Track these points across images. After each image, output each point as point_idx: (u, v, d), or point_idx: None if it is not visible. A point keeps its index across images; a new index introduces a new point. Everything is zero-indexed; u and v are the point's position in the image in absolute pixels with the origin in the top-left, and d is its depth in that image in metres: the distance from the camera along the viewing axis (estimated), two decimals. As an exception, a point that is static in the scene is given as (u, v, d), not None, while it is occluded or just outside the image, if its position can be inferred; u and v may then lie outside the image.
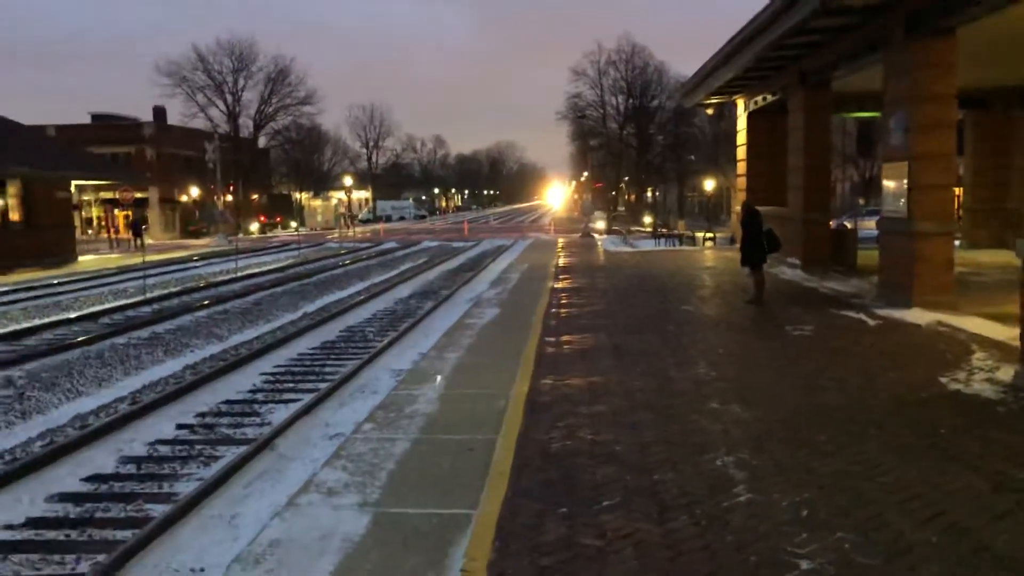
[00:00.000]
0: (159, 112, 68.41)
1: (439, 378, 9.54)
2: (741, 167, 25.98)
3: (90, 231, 59.00)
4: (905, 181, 13.43)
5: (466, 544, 4.93)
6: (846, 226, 26.70)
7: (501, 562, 4.63)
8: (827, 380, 8.71)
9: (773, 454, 6.31)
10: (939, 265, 13.25)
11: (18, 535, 6.65)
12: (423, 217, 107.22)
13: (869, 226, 24.99)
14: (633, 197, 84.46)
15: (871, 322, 12.32)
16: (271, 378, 12.09)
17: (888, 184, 14.26)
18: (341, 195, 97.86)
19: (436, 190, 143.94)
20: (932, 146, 13.12)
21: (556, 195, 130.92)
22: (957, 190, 24.01)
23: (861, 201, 50.82)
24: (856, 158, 53.53)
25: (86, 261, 35.44)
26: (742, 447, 6.50)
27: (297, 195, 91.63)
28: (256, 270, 29.36)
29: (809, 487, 5.59)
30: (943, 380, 8.51)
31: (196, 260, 35.12)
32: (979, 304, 13.02)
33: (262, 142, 79.45)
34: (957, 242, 18.49)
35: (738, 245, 17.69)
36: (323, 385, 11.27)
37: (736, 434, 6.86)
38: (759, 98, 23.19)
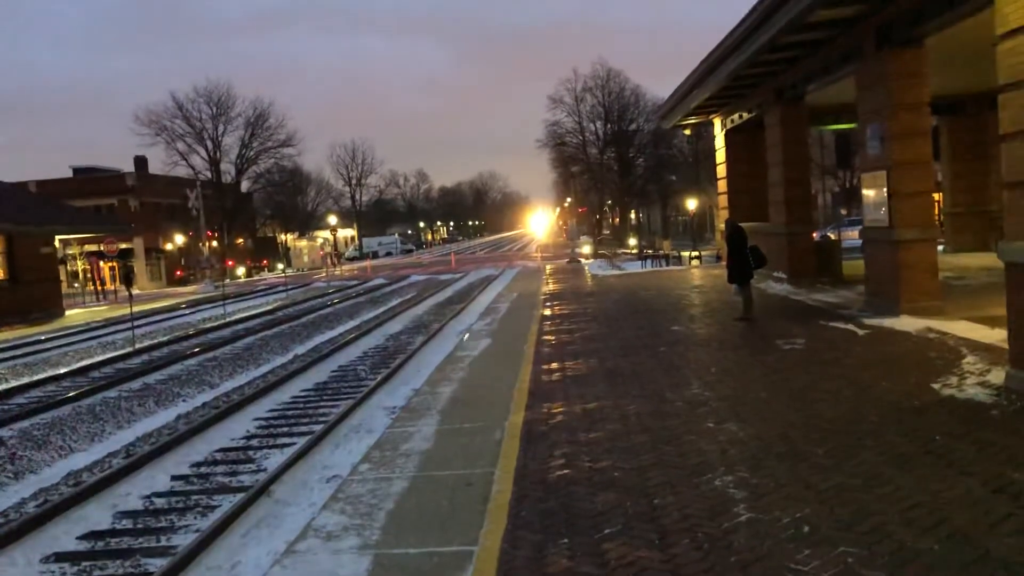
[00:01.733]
0: (140, 162, 68.52)
1: (433, 413, 9.50)
2: (722, 185, 26.17)
3: (76, 284, 58.68)
4: (885, 190, 13.55)
5: (469, 581, 4.89)
6: (829, 237, 26.90)
7: (505, 597, 4.59)
8: (821, 393, 8.72)
9: (772, 471, 6.30)
10: (924, 271, 13.34)
11: (15, 599, 6.56)
12: (410, 251, 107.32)
13: (852, 236, 25.19)
14: (617, 220, 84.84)
15: (860, 332, 12.36)
16: (265, 423, 12.02)
17: (868, 194, 14.38)
18: (326, 234, 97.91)
19: (421, 224, 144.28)
20: (909, 154, 13.26)
21: (540, 222, 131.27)
22: (937, 196, 24.24)
23: (843, 212, 51.20)
24: (835, 169, 54.00)
25: (73, 315, 35.25)
26: (740, 465, 6.49)
27: (282, 237, 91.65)
28: (244, 314, 29.25)
29: (809, 502, 5.58)
30: (935, 386, 8.53)
31: (184, 308, 34.98)
32: (966, 308, 13.10)
33: (245, 186, 79.62)
34: (940, 247, 18.64)
35: (724, 263, 17.78)
36: (317, 427, 11.21)
37: (733, 453, 6.85)
38: (736, 116, 23.41)
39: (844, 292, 17.12)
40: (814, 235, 21.78)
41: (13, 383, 16.82)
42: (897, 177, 13.31)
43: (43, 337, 25.93)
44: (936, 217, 21.07)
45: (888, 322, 12.78)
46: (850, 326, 12.91)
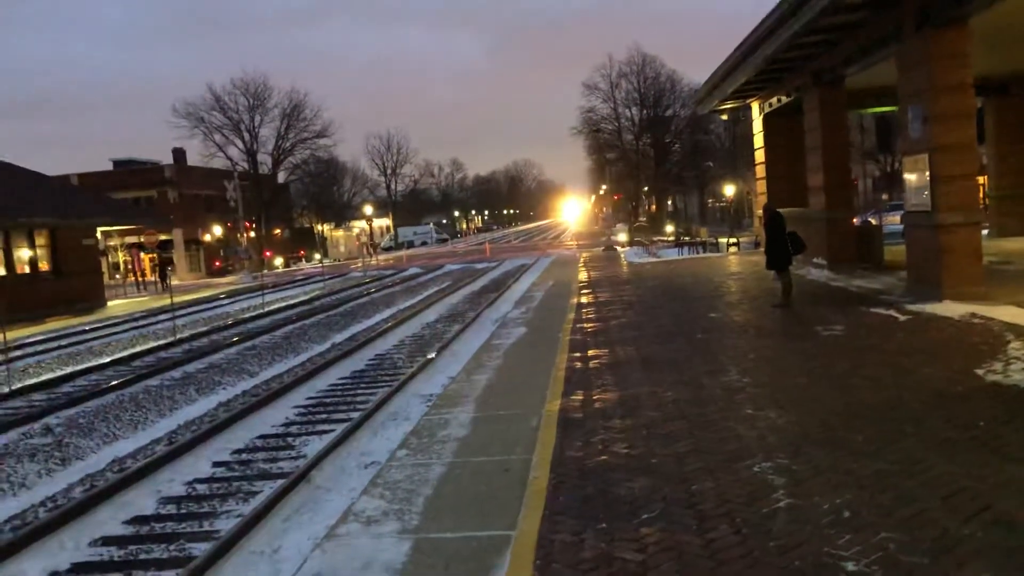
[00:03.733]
0: (179, 154, 69.28)
1: (470, 401, 9.54)
2: (760, 170, 25.89)
3: (117, 275, 59.68)
4: (927, 174, 13.32)
5: (507, 565, 4.91)
6: (870, 223, 26.50)
7: (543, 582, 4.61)
8: (861, 379, 8.62)
9: (811, 457, 6.25)
10: (967, 256, 13.11)
11: (64, 581, 6.72)
12: (445, 240, 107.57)
13: (894, 221, 24.80)
14: (654, 207, 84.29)
15: (902, 318, 12.18)
16: (304, 411, 12.15)
17: (910, 178, 14.15)
18: (362, 224, 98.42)
19: (456, 213, 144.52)
20: (952, 137, 13.02)
21: (574, 210, 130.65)
22: (981, 179, 23.77)
23: (884, 196, 50.41)
24: (876, 153, 53.15)
25: (115, 305, 35.87)
26: (779, 452, 6.44)
27: (319, 227, 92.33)
28: (283, 304, 29.56)
29: (850, 488, 5.53)
30: (979, 372, 8.39)
31: (223, 298, 35.43)
32: (1012, 293, 12.85)
33: (281, 177, 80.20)
34: (985, 231, 18.28)
35: (762, 249, 17.61)
36: (355, 414, 11.31)
37: (772, 439, 6.80)
38: (774, 100, 23.12)
39: (885, 278, 16.87)
40: (854, 220, 21.48)
41: (59, 372, 17.18)
42: (939, 160, 13.08)
43: (87, 327, 26.43)
44: (980, 201, 20.71)
45: (930, 308, 12.59)
46: (891, 312, 12.73)
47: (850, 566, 4.41)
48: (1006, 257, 18.00)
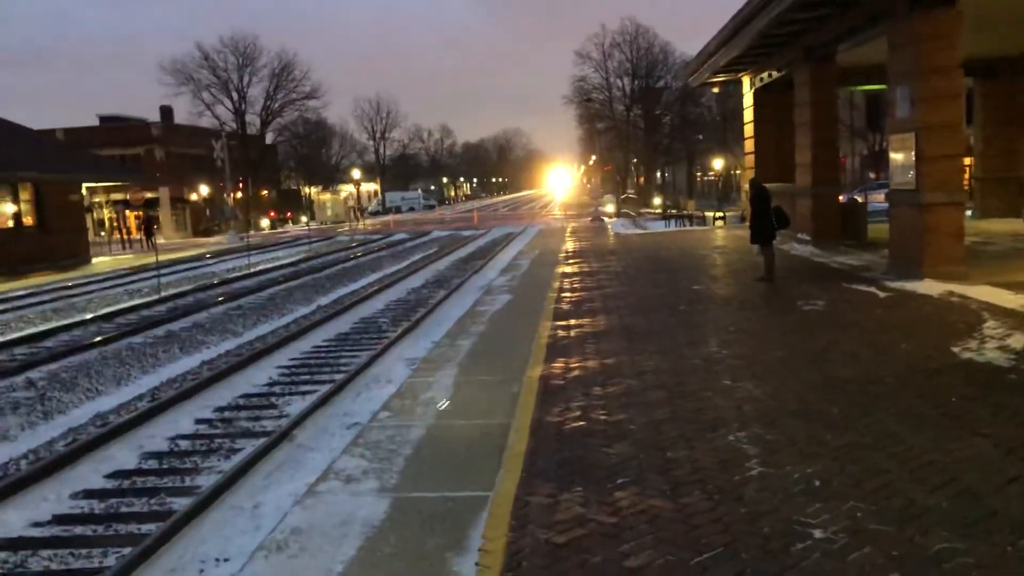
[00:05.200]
0: (166, 112, 68.59)
1: (452, 366, 9.62)
2: (749, 145, 25.92)
3: (102, 233, 59.24)
4: (913, 153, 13.40)
5: (483, 525, 5.01)
6: (856, 200, 26.64)
7: (518, 541, 4.71)
8: (839, 354, 8.75)
9: (786, 428, 6.37)
10: (949, 236, 13.24)
11: (46, 532, 6.79)
12: (432, 207, 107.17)
13: (879, 199, 24.93)
14: (642, 179, 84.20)
15: (882, 295, 12.32)
16: (287, 371, 12.21)
17: (896, 156, 14.23)
18: (350, 188, 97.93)
19: (444, 179, 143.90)
20: (939, 117, 13.09)
21: (562, 180, 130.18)
22: (967, 160, 23.90)
23: (871, 175, 50.57)
24: (865, 131, 53.21)
25: (100, 263, 35.69)
26: (754, 423, 6.55)
27: (306, 189, 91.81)
28: (268, 265, 29.50)
29: (822, 459, 5.65)
30: (955, 350, 8.53)
31: (208, 258, 35.32)
32: (990, 273, 13.00)
33: (269, 138, 79.56)
34: (968, 212, 18.43)
35: (748, 223, 17.70)
36: (339, 376, 11.38)
37: (748, 410, 6.92)
38: (764, 75, 23.11)
39: (868, 255, 17.02)
40: (840, 197, 21.59)
41: (42, 327, 17.13)
42: (925, 140, 13.16)
43: (70, 283, 26.32)
44: (965, 182, 20.85)
45: (910, 285, 12.73)
46: (872, 289, 12.87)
47: (818, 533, 4.53)
48: (988, 238, 18.17)
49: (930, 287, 12.39)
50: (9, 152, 32.04)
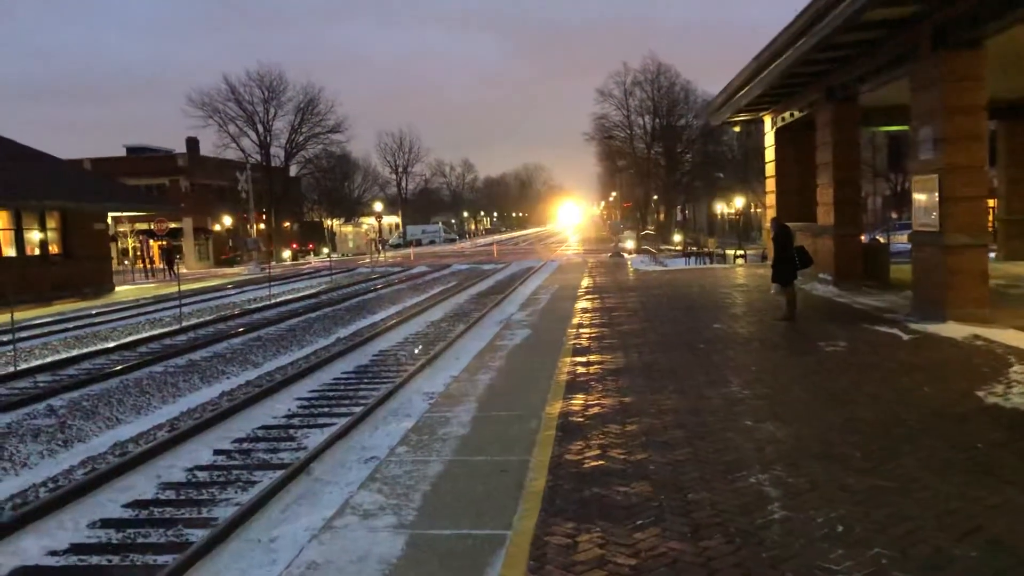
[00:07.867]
0: (192, 143, 69.50)
1: (471, 401, 9.59)
2: (770, 184, 25.89)
3: (126, 261, 59.85)
4: (936, 194, 13.33)
5: (501, 564, 4.96)
6: (878, 240, 26.50)
7: (536, 581, 4.65)
8: (862, 396, 8.65)
9: (807, 471, 6.28)
10: (973, 278, 13.12)
11: (62, 561, 6.79)
12: (453, 240, 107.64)
13: (902, 240, 24.80)
14: (662, 216, 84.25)
15: (905, 337, 12.20)
16: (306, 403, 12.22)
17: (919, 197, 14.16)
18: (372, 221, 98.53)
19: (465, 213, 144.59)
20: (962, 158, 13.03)
21: (580, 216, 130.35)
22: (991, 201, 23.73)
23: (893, 215, 50.32)
24: (887, 172, 53.07)
25: (123, 291, 36.01)
26: (776, 464, 6.48)
27: (328, 222, 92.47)
28: (289, 296, 29.65)
29: (845, 503, 5.57)
30: (980, 394, 8.42)
31: (230, 288, 35.55)
32: (1016, 317, 12.86)
33: (293, 171, 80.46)
34: (992, 254, 18.28)
35: (769, 262, 17.63)
36: (357, 409, 11.38)
37: (770, 452, 6.84)
38: (786, 114, 23.14)
39: (890, 296, 16.88)
40: (862, 238, 21.48)
41: (65, 355, 17.27)
42: (949, 181, 13.09)
43: (94, 311, 26.55)
44: (989, 223, 20.68)
45: (934, 328, 12.60)
46: (894, 330, 12.75)
47: (841, 579, 4.45)
48: (1012, 280, 17.99)
49: (954, 330, 12.25)
50: (39, 180, 32.55)
